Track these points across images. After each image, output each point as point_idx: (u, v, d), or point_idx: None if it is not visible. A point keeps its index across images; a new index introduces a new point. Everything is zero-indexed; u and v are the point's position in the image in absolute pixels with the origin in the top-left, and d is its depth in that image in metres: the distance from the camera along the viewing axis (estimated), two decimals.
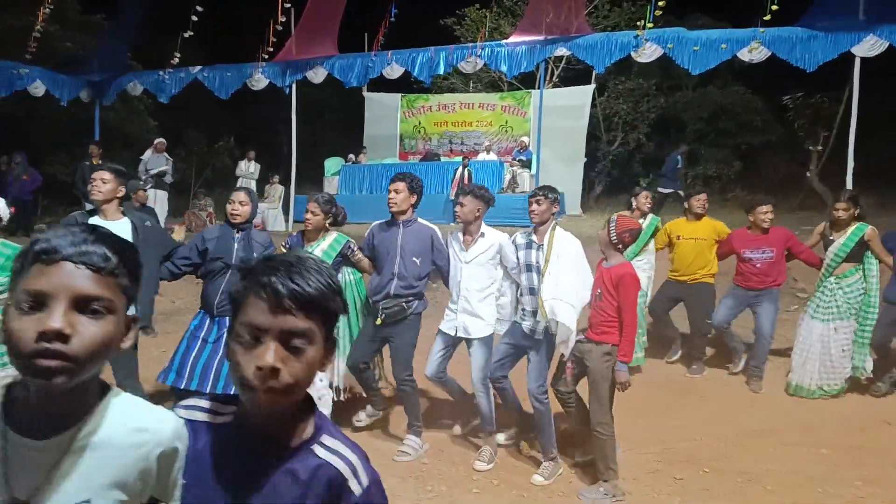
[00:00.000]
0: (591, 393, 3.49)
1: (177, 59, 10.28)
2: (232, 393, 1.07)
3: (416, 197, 3.94)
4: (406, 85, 13.89)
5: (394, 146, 15.91)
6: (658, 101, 18.51)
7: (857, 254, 4.87)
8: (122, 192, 3.66)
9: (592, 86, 14.58)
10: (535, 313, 3.64)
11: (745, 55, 8.17)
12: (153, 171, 10.52)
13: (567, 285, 3.57)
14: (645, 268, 5.49)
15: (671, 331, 5.76)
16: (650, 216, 5.65)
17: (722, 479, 3.63)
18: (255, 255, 3.80)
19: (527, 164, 12.97)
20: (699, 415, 4.67)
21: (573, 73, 16.43)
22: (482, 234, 3.92)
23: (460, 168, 12.04)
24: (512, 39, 9.72)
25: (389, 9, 10.41)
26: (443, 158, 14.48)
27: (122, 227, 3.58)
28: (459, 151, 15.28)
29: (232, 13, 16.32)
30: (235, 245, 3.82)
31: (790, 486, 3.54)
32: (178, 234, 9.94)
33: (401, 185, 3.89)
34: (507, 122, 15.45)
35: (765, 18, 7.85)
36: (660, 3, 8.02)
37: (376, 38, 10.48)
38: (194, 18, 9.10)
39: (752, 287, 5.17)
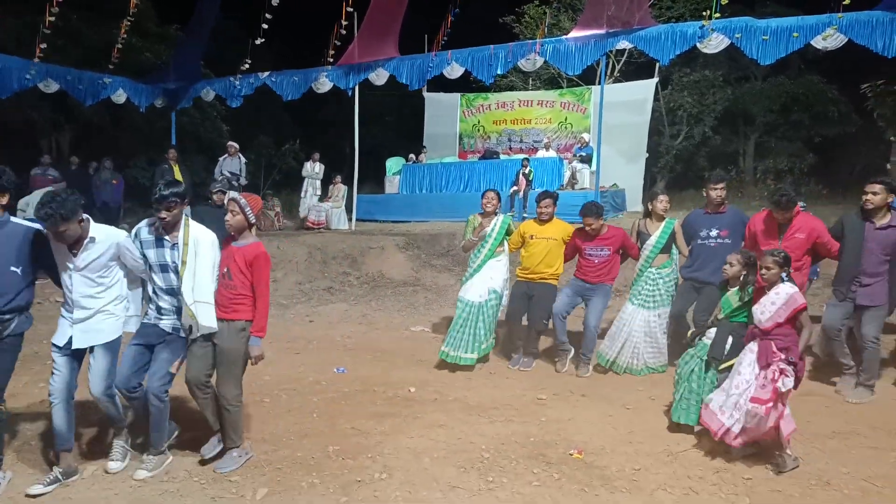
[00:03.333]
0: (224, 369, 3.56)
1: (247, 66, 10.73)
2: None
3: (5, 197, 3.35)
4: (465, 84, 13.98)
5: (453, 145, 16.06)
6: (725, 93, 17.94)
7: (669, 245, 5.45)
8: None
9: (655, 79, 14.25)
10: (175, 311, 3.56)
11: (819, 43, 7.83)
12: (226, 173, 11.03)
13: (205, 284, 3.52)
14: (503, 269, 5.75)
15: (517, 336, 5.89)
16: (501, 216, 5.80)
17: (794, 481, 3.53)
18: None
19: (587, 161, 12.83)
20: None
21: (635, 67, 16.14)
22: (91, 240, 3.43)
23: (521, 169, 12.02)
24: (572, 35, 9.63)
25: (450, 10, 10.52)
26: (502, 156, 14.50)
27: None
28: (518, 149, 15.27)
29: (297, 19, 16.83)
30: None
31: (870, 492, 3.40)
32: None
33: None
34: (566, 119, 15.31)
35: (844, 3, 7.51)
36: None
37: (436, 39, 10.61)
38: (265, 26, 9.46)
39: (588, 280, 5.58)
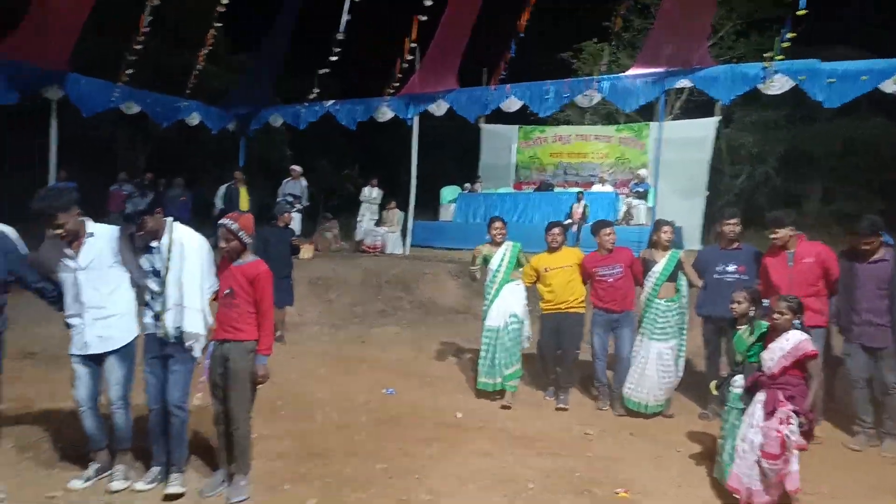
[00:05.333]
0: (236, 391, 3.52)
1: (314, 95, 11.20)
2: None
3: None
4: (522, 116, 14.16)
5: (508, 176, 16.19)
6: (788, 133, 17.52)
7: (675, 274, 5.38)
8: None
9: (717, 118, 14.08)
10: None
11: (888, 87, 7.62)
12: (288, 196, 11.48)
13: (192, 289, 3.51)
14: (521, 294, 5.80)
15: (551, 370, 5.86)
16: (510, 243, 5.86)
17: None
18: None
19: (643, 196, 12.73)
20: (814, 465, 4.37)
21: (694, 105, 15.99)
22: (91, 235, 3.51)
23: (576, 203, 12.02)
24: (631, 72, 9.69)
25: (509, 45, 10.74)
26: (557, 189, 14.53)
27: None
28: (574, 182, 15.26)
29: (363, 51, 17.50)
30: None
31: None
32: (307, 252, 10.75)
33: None
34: (623, 154, 15.26)
35: None
36: (789, 35, 7.71)
37: (495, 73, 10.83)
38: (333, 59, 9.87)
39: (610, 309, 5.51)
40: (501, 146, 16.35)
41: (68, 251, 3.47)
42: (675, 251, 5.46)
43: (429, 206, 15.30)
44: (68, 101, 9.91)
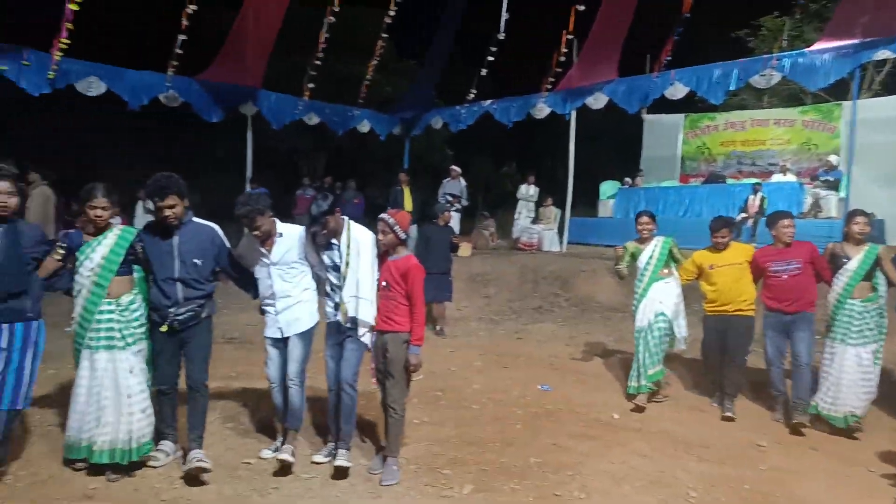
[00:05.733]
0: (391, 378, 3.81)
1: (473, 95, 11.51)
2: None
3: (186, 200, 3.74)
4: (689, 104, 13.33)
5: (673, 168, 15.33)
6: None
7: (871, 273, 4.88)
8: None
9: None
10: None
11: None
12: (447, 195, 11.93)
13: (365, 281, 3.86)
14: (672, 292, 5.42)
15: (714, 374, 5.45)
16: (661, 238, 5.51)
17: None
18: (23, 247, 3.47)
19: (834, 186, 11.38)
20: None
21: None
22: (280, 235, 3.95)
23: (751, 195, 11.07)
24: (817, 46, 8.71)
25: (673, 27, 10.15)
26: (729, 180, 13.49)
27: None
28: (749, 173, 14.08)
29: (519, 47, 17.62)
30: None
31: None
32: (466, 250, 11.09)
33: (174, 199, 3.67)
34: (809, 139, 13.75)
35: None
36: None
37: (659, 59, 10.27)
38: (491, 59, 10.08)
39: (784, 310, 5.03)
40: (666, 137, 15.51)
41: (262, 249, 3.96)
42: (873, 246, 4.94)
43: (586, 201, 15.01)
44: (259, 114, 11.18)
